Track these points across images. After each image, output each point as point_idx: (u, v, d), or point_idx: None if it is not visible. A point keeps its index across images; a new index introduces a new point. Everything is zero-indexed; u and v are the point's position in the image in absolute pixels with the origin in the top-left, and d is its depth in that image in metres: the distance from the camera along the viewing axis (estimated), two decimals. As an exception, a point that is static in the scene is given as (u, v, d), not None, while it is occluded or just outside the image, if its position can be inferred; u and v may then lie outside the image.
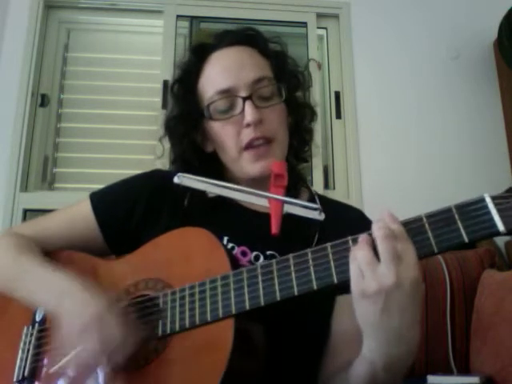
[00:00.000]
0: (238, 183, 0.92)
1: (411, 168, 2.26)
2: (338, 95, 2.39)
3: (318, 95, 2.36)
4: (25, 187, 2.14)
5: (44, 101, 2.27)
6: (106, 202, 0.95)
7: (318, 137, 2.26)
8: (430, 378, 1.45)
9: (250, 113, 0.85)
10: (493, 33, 2.33)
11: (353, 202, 2.17)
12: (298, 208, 0.77)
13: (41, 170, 2.21)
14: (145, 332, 0.73)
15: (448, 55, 2.45)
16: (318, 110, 2.34)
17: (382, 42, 2.44)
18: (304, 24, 2.45)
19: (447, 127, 2.35)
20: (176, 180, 0.85)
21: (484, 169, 2.24)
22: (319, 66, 2.45)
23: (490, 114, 2.39)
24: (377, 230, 0.63)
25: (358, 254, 0.63)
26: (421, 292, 0.63)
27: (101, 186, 0.99)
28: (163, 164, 1.06)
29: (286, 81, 0.93)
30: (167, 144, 0.98)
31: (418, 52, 2.44)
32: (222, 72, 0.89)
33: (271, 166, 0.83)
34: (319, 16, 2.47)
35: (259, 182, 0.88)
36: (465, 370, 1.58)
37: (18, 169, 2.11)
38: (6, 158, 2.11)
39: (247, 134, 0.86)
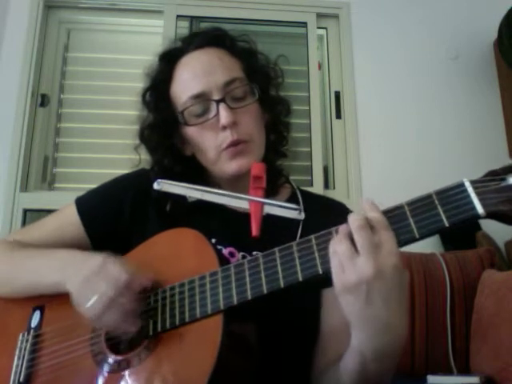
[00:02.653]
0: (218, 185, 0.93)
1: (411, 168, 2.26)
2: (338, 95, 2.39)
3: (317, 95, 2.36)
4: (25, 187, 2.14)
5: (44, 101, 2.27)
6: (91, 206, 0.96)
7: (317, 137, 2.29)
8: (430, 378, 1.45)
9: (224, 115, 0.85)
10: (493, 33, 2.33)
11: (353, 201, 2.17)
12: (279, 209, 0.78)
13: (41, 170, 2.22)
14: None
15: (448, 55, 2.45)
16: (318, 109, 2.37)
17: (382, 41, 2.45)
18: (304, 24, 2.46)
19: (447, 127, 2.35)
20: (156, 186, 0.85)
21: (484, 169, 2.23)
22: (319, 66, 2.45)
23: (490, 114, 2.39)
24: (352, 222, 0.63)
25: (337, 248, 0.63)
26: (405, 279, 0.63)
27: (97, 186, 1.00)
28: None
29: (258, 79, 0.93)
30: (143, 155, 0.98)
31: (418, 52, 2.44)
32: (193, 77, 0.89)
33: (251, 168, 0.83)
34: (319, 16, 2.48)
35: (239, 183, 0.89)
36: (465, 369, 1.58)
37: (18, 169, 2.11)
38: (5, 157, 2.12)
39: (225, 137, 0.87)
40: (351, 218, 0.64)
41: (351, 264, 0.61)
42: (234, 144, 0.86)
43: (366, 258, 0.61)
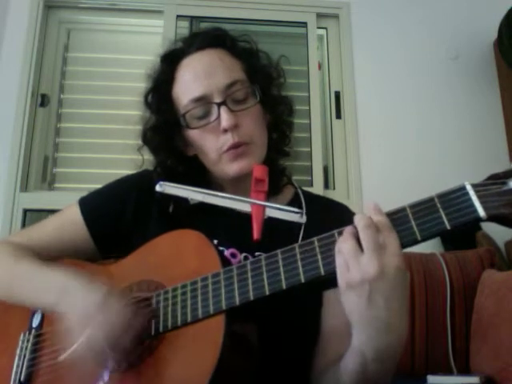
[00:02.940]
0: (221, 185, 0.94)
1: (411, 168, 2.26)
2: (338, 95, 2.39)
3: (317, 95, 2.36)
4: (25, 187, 2.14)
5: (44, 101, 2.27)
6: (94, 206, 0.96)
7: (317, 137, 2.28)
8: (430, 378, 1.45)
9: (225, 118, 0.85)
10: (493, 33, 2.33)
11: (353, 202, 2.17)
12: (280, 212, 0.78)
13: (41, 170, 2.22)
14: (144, 316, 0.74)
15: (448, 55, 2.45)
16: (318, 109, 2.37)
17: (382, 41, 2.45)
18: (304, 24, 2.46)
19: (447, 127, 2.35)
20: (158, 188, 0.86)
21: (484, 169, 2.22)
22: (319, 66, 2.45)
23: (490, 114, 2.39)
24: (358, 221, 0.65)
25: (343, 247, 0.64)
26: (406, 280, 0.65)
27: (100, 186, 1.00)
28: None
29: (260, 79, 0.93)
30: (146, 155, 0.98)
31: (418, 52, 2.44)
32: (194, 79, 0.89)
33: (253, 170, 0.83)
34: (319, 16, 2.48)
35: (241, 183, 0.89)
36: (465, 369, 1.58)
37: (18, 169, 2.11)
38: (5, 157, 2.12)
39: (226, 140, 0.86)
40: (358, 217, 0.65)
41: (356, 262, 0.62)
42: (234, 146, 0.86)
43: (370, 256, 0.62)
